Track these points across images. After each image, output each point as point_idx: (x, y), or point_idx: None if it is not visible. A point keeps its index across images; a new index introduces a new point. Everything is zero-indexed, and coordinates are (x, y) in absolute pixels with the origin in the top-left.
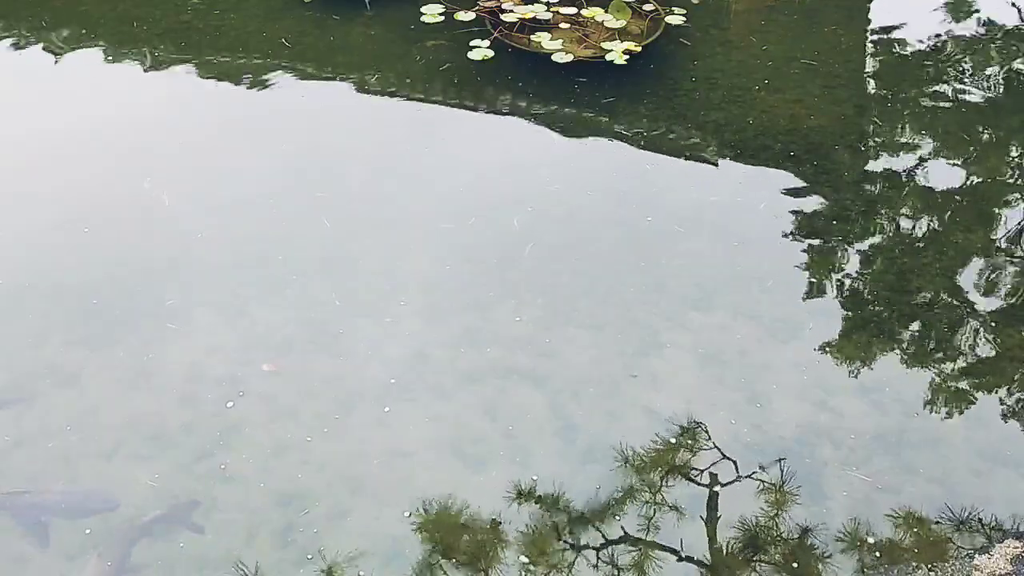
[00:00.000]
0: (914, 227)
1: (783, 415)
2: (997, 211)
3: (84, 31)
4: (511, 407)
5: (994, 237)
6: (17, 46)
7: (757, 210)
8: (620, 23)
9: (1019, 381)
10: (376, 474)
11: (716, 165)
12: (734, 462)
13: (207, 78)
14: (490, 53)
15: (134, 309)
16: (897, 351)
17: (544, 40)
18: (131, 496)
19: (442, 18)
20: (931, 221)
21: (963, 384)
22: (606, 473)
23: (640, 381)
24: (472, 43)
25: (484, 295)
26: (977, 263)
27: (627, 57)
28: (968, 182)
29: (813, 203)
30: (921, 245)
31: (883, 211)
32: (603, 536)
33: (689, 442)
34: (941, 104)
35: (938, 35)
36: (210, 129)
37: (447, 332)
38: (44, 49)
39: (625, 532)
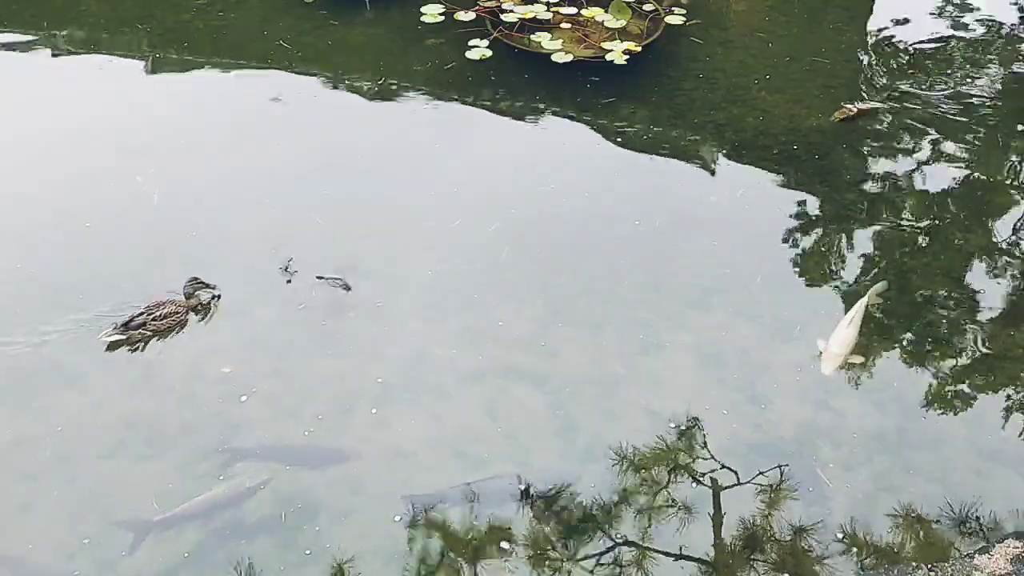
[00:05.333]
0: (914, 227)
1: (783, 415)
2: (997, 211)
3: (84, 31)
4: (511, 407)
5: (994, 237)
6: (18, 46)
7: (757, 210)
8: (620, 23)
9: (1019, 381)
10: (376, 474)
11: (715, 164)
12: (734, 462)
13: (207, 78)
14: (489, 53)
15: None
16: (897, 351)
17: (544, 40)
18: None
19: (442, 18)
20: (931, 221)
21: (963, 384)
22: (606, 473)
23: (640, 381)
24: (472, 43)
25: (484, 294)
26: (977, 263)
27: (627, 57)
28: (968, 182)
29: (813, 203)
30: (921, 245)
31: (883, 211)
32: (602, 535)
33: (689, 442)
34: (941, 104)
35: (939, 34)
36: (210, 128)
37: (447, 331)
38: (45, 49)
39: (625, 532)
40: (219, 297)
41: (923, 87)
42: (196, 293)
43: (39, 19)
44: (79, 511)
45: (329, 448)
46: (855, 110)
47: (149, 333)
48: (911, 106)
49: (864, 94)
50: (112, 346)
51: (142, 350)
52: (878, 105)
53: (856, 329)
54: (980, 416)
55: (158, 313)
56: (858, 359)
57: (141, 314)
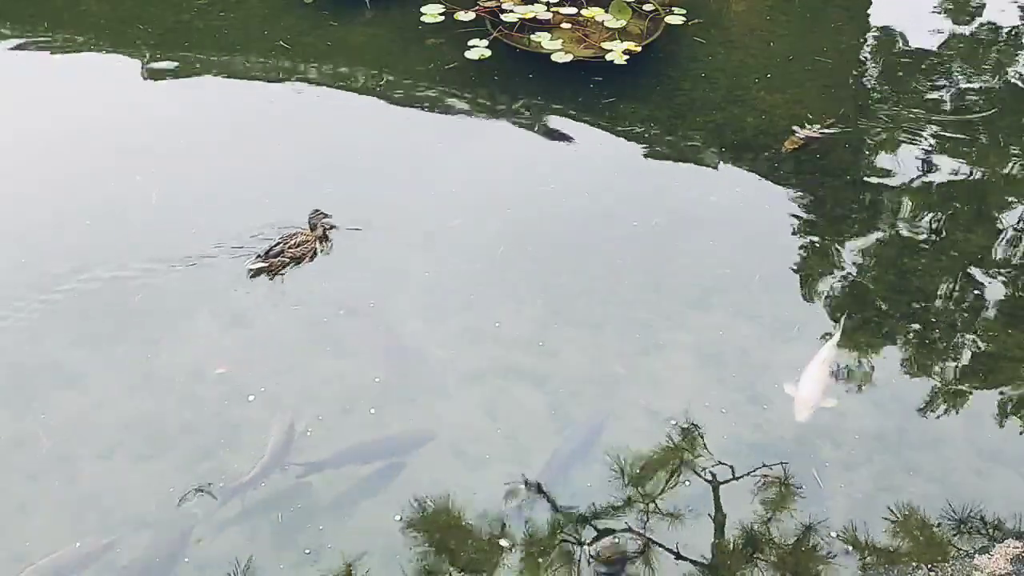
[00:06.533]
0: (914, 227)
1: (783, 415)
2: (997, 211)
3: (84, 31)
4: (511, 407)
5: (994, 237)
6: (18, 46)
7: (757, 210)
8: (620, 23)
9: (1019, 381)
10: (376, 473)
11: (716, 167)
12: (734, 462)
13: (207, 78)
14: (488, 53)
15: (134, 309)
16: (897, 351)
17: (544, 40)
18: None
19: (442, 18)
20: (931, 221)
21: (963, 384)
22: (605, 473)
23: (640, 381)
24: (471, 43)
25: (484, 294)
26: (977, 263)
27: (627, 57)
28: (968, 182)
29: (813, 203)
30: (921, 245)
31: (883, 211)
32: (601, 535)
33: (689, 442)
34: (941, 104)
35: (939, 35)
36: (210, 129)
37: (447, 331)
38: (45, 49)
39: (623, 531)
40: (335, 227)
41: (903, 100)
42: (319, 224)
43: (39, 19)
44: (79, 511)
45: (411, 432)
46: (804, 139)
47: (287, 260)
48: (885, 121)
49: (811, 121)
50: (254, 273)
51: (280, 278)
52: (831, 131)
53: (827, 371)
54: (980, 416)
55: (292, 242)
56: (830, 403)
57: (278, 244)
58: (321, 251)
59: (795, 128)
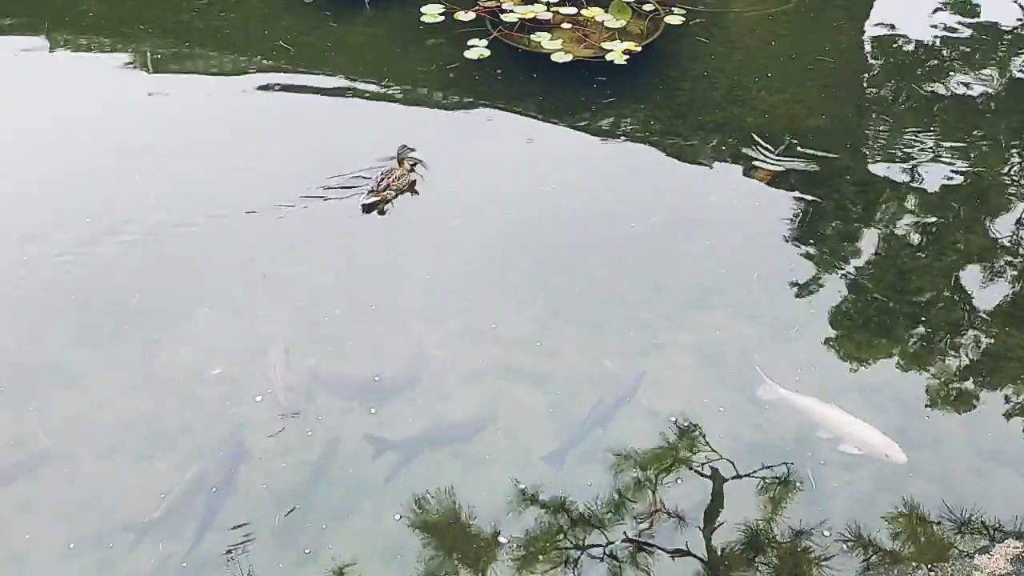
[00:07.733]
0: (914, 227)
1: (783, 415)
2: (997, 211)
3: (84, 31)
4: (511, 407)
5: (994, 237)
6: (18, 47)
7: (757, 210)
8: (620, 23)
9: (1019, 381)
10: (375, 474)
11: (715, 167)
12: (733, 463)
13: (207, 78)
14: (488, 53)
15: (135, 309)
16: (897, 351)
17: (544, 40)
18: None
19: (442, 18)
20: (931, 221)
21: (963, 384)
22: (606, 473)
23: (640, 381)
24: (471, 43)
25: (484, 294)
26: (977, 263)
27: (627, 57)
28: (968, 182)
29: (813, 203)
30: (921, 245)
31: (883, 211)
32: (602, 536)
33: (688, 442)
34: (941, 104)
35: (939, 35)
36: (210, 129)
37: (447, 331)
38: (45, 49)
39: (623, 531)
40: (420, 161)
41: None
42: (406, 157)
43: (39, 19)
44: (79, 511)
45: (474, 417)
46: (770, 174)
47: (394, 192)
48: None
49: (770, 154)
50: (367, 208)
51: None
52: (793, 166)
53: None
54: (980, 416)
55: (393, 176)
56: (899, 457)
57: (383, 179)
58: (415, 184)
59: (754, 164)
